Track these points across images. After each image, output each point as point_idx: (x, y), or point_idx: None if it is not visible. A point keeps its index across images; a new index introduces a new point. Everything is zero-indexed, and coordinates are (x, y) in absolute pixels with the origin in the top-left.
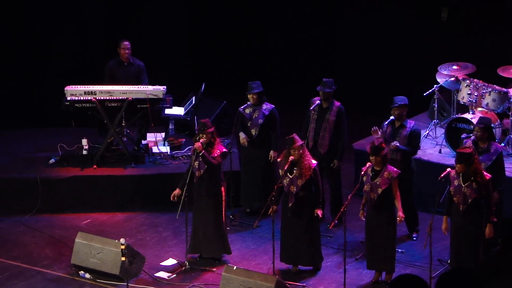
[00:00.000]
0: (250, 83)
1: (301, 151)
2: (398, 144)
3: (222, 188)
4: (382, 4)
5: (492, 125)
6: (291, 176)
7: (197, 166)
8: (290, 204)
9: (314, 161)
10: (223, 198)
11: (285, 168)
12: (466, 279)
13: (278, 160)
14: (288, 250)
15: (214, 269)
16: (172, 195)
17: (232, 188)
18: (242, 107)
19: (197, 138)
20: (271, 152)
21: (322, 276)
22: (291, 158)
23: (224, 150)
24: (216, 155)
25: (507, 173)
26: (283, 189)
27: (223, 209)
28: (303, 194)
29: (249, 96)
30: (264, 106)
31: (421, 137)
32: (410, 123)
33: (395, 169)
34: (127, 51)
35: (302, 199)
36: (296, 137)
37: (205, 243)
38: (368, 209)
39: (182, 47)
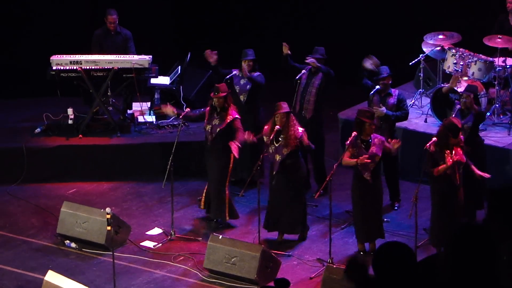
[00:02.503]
0: (245, 50)
1: (285, 119)
2: (384, 109)
3: (231, 155)
4: None
5: (478, 94)
6: (276, 145)
7: (209, 130)
8: (274, 172)
9: (300, 129)
10: (230, 165)
11: (271, 136)
12: (478, 234)
13: (265, 127)
14: (272, 218)
15: (200, 238)
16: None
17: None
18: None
19: (212, 102)
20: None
21: (308, 246)
22: (276, 127)
23: (236, 115)
24: (228, 120)
25: (492, 142)
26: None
27: (228, 175)
28: (289, 163)
29: (243, 63)
30: (255, 74)
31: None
32: (395, 91)
33: (379, 135)
34: (113, 20)
35: (287, 168)
36: (283, 104)
37: (212, 204)
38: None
39: (168, 16)
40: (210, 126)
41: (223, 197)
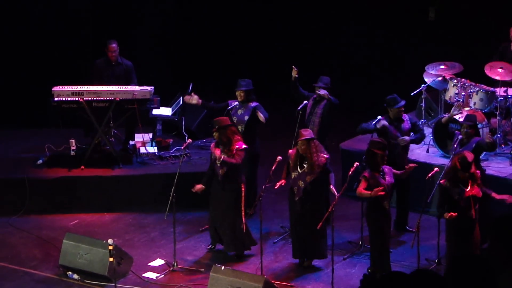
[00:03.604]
0: (240, 80)
1: (305, 146)
2: (408, 138)
3: (242, 185)
4: (370, 3)
5: (480, 124)
6: (300, 171)
7: (219, 165)
8: (296, 198)
9: (325, 156)
10: (243, 195)
11: (294, 161)
12: (478, 265)
13: (290, 152)
14: (299, 245)
15: (202, 269)
16: (196, 189)
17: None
18: (231, 103)
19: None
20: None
21: (310, 276)
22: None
23: (243, 146)
24: (234, 152)
25: (494, 172)
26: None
27: (242, 206)
28: (312, 190)
29: (236, 93)
30: (251, 104)
31: None
32: (405, 116)
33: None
34: (114, 51)
35: (310, 194)
36: (304, 131)
37: (226, 239)
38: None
39: (170, 47)
40: (219, 161)
41: (241, 229)
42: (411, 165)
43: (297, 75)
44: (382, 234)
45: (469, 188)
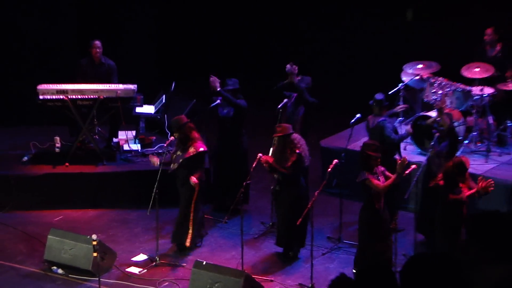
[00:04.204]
0: (227, 79)
1: (275, 142)
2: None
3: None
4: (348, 4)
5: (456, 122)
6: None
7: (174, 159)
8: (272, 187)
9: (297, 152)
10: (195, 193)
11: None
12: (442, 262)
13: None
14: (278, 234)
15: (184, 264)
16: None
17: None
18: (216, 103)
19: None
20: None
21: (290, 271)
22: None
23: (201, 149)
24: (190, 151)
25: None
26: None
27: (193, 201)
28: (283, 181)
29: (231, 92)
30: (237, 102)
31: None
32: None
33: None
34: (98, 51)
35: (282, 185)
36: (279, 127)
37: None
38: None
39: (152, 46)
40: (175, 155)
41: (188, 222)
42: (412, 166)
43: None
44: (370, 235)
45: (462, 189)
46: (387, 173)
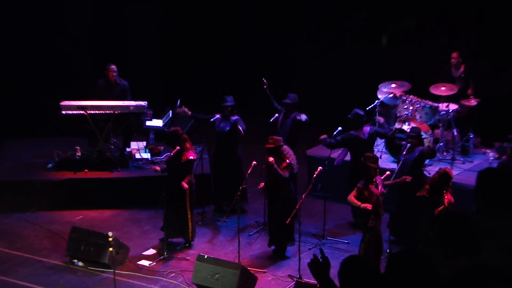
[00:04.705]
0: (225, 96)
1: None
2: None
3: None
4: (330, 31)
5: (425, 134)
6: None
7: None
8: (262, 191)
9: (289, 161)
10: (187, 192)
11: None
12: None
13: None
14: (270, 235)
15: (188, 258)
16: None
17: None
18: (215, 118)
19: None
20: None
21: (280, 264)
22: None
23: (191, 157)
24: (184, 160)
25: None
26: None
27: (187, 200)
28: (271, 186)
29: (223, 107)
30: (233, 118)
31: None
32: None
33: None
34: (114, 74)
35: (271, 190)
36: (271, 139)
37: (173, 225)
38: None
39: (161, 69)
40: (175, 165)
41: (186, 220)
42: (407, 177)
43: (265, 86)
44: (377, 239)
45: (446, 196)
46: (387, 181)
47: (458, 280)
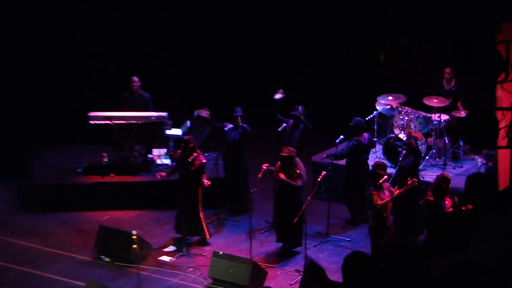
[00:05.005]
0: (235, 107)
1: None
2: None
3: (199, 189)
4: (334, 49)
5: (419, 142)
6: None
7: (184, 168)
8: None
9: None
10: (200, 193)
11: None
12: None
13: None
14: (278, 233)
15: (205, 254)
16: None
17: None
18: (227, 126)
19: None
20: None
21: (288, 260)
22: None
23: (204, 160)
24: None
25: (429, 179)
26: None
27: (199, 201)
28: (285, 190)
29: (234, 117)
30: (242, 126)
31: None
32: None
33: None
34: (135, 84)
35: (281, 193)
36: (286, 148)
37: (187, 225)
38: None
39: (179, 83)
40: (184, 166)
41: (200, 219)
42: (414, 180)
43: (281, 96)
44: (377, 236)
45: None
46: (391, 189)
47: (450, 274)
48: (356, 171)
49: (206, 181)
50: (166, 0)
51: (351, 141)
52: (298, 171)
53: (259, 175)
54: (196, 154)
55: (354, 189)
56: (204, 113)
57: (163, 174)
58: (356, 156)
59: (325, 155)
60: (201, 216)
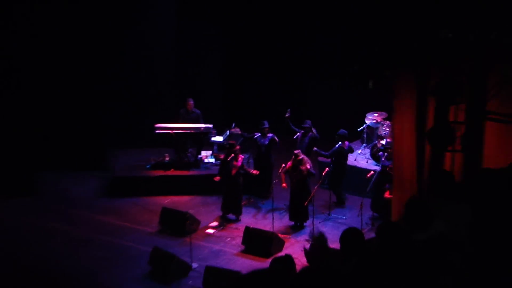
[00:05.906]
0: (263, 121)
1: (295, 160)
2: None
3: (240, 180)
4: (335, 77)
5: None
6: (294, 173)
7: (230, 167)
8: (291, 187)
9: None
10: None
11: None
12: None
13: (288, 163)
14: (291, 213)
15: (239, 228)
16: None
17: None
18: (256, 135)
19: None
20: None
21: (299, 232)
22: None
23: (242, 158)
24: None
25: None
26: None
27: (241, 190)
28: (298, 182)
29: (263, 128)
30: (269, 135)
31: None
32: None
33: None
34: (191, 103)
35: (298, 184)
36: (296, 151)
37: (232, 206)
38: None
39: (222, 102)
40: (230, 165)
41: (240, 202)
42: (371, 172)
43: (288, 115)
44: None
45: None
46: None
47: (428, 244)
48: (338, 168)
49: (254, 171)
50: (215, 45)
51: (336, 146)
52: (307, 165)
53: (280, 171)
54: (237, 154)
55: (337, 180)
56: (235, 130)
57: (218, 178)
58: (338, 158)
59: (315, 148)
60: (241, 198)
